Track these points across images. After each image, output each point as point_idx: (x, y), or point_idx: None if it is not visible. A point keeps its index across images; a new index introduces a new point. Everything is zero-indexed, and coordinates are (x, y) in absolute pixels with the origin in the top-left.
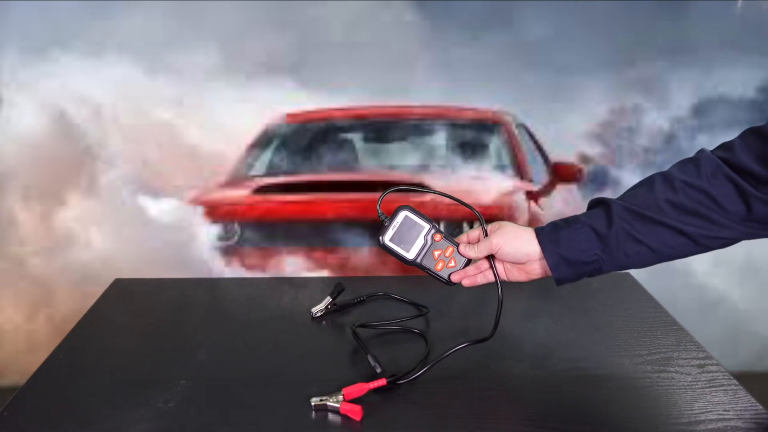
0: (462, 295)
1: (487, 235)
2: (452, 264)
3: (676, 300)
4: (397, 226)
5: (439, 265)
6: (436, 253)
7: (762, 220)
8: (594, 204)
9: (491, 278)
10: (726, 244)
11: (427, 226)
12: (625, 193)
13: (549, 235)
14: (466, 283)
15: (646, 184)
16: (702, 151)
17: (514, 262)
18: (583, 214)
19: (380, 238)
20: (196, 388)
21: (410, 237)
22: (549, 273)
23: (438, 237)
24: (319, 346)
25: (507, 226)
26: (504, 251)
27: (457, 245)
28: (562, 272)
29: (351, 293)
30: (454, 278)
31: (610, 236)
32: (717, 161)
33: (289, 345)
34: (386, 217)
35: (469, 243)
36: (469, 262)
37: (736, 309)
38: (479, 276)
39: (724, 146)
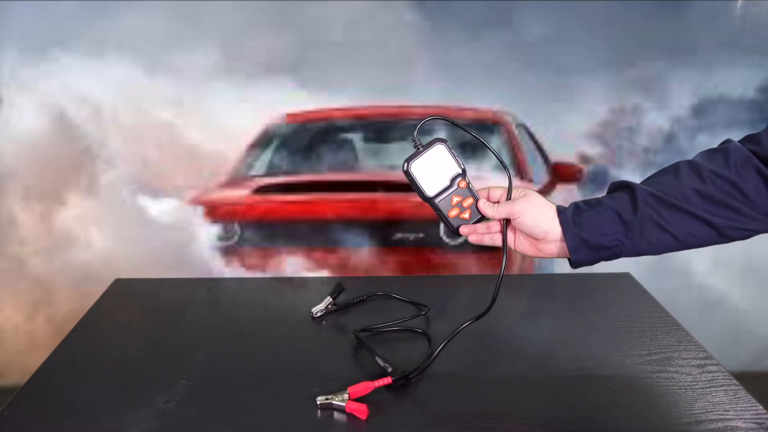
0: (462, 295)
1: (509, 198)
2: (466, 215)
3: (676, 300)
4: (428, 157)
5: (453, 212)
6: (455, 200)
7: None
8: (616, 187)
9: (498, 242)
10: (749, 236)
11: (457, 168)
12: (648, 178)
13: (572, 216)
14: (472, 239)
15: (672, 171)
16: (729, 141)
17: (530, 235)
18: (606, 197)
19: (407, 163)
20: (196, 388)
21: (436, 173)
22: (564, 254)
23: (463, 184)
24: (320, 346)
25: (534, 196)
26: (523, 221)
27: (478, 200)
28: (580, 255)
29: (351, 293)
30: (463, 231)
31: (634, 222)
32: (746, 152)
33: (290, 345)
34: (421, 144)
35: (489, 201)
36: (482, 219)
37: (736, 309)
38: (486, 236)
39: (752, 138)
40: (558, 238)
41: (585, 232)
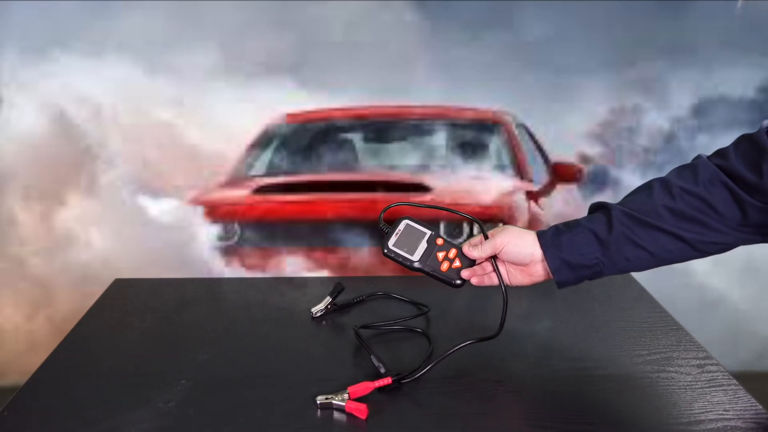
0: (462, 294)
1: (487, 239)
2: (457, 264)
3: (676, 300)
4: (399, 233)
5: (444, 266)
6: (440, 255)
7: (756, 225)
8: (594, 208)
9: (495, 281)
10: (723, 250)
11: (428, 232)
12: (624, 198)
13: (551, 239)
14: (474, 281)
15: (645, 189)
16: (699, 157)
17: (516, 263)
18: (584, 218)
19: (384, 245)
20: (196, 388)
21: (413, 243)
22: (551, 276)
23: (440, 241)
24: (319, 346)
25: (511, 227)
26: (507, 250)
27: (460, 248)
28: (563, 275)
29: (351, 293)
30: (464, 274)
31: (610, 241)
32: (713, 168)
33: (289, 345)
34: (388, 227)
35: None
36: (472, 263)
37: (736, 309)
38: (485, 278)
39: (720, 153)
40: (542, 258)
41: (565, 253)
